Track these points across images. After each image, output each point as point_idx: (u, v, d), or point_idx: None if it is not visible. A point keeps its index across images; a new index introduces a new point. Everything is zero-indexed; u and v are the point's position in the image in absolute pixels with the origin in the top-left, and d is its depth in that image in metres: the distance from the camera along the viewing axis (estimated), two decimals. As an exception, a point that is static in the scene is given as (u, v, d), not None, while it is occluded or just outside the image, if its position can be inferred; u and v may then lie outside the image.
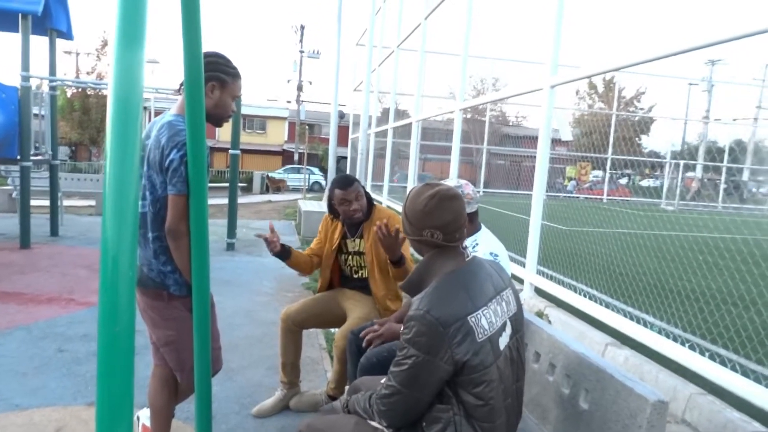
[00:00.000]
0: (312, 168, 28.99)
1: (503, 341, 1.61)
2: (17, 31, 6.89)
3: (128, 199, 1.01)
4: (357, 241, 3.07)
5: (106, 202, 1.00)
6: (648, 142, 30.37)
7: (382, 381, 1.62)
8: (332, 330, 4.64)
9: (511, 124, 30.82)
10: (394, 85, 14.68)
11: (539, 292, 5.34)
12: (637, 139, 28.06)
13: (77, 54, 31.27)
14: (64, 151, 30.12)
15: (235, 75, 2.23)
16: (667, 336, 3.53)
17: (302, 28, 34.07)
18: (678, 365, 3.07)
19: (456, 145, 8.41)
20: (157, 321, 2.20)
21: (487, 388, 1.52)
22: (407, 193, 1.70)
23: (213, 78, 2.16)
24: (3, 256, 6.74)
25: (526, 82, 6.03)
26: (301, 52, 34.36)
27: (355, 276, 3.14)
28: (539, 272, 5.52)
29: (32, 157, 7.31)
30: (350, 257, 3.14)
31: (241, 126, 8.05)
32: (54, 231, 8.25)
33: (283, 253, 2.92)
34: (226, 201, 8.38)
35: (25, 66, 6.94)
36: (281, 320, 3.07)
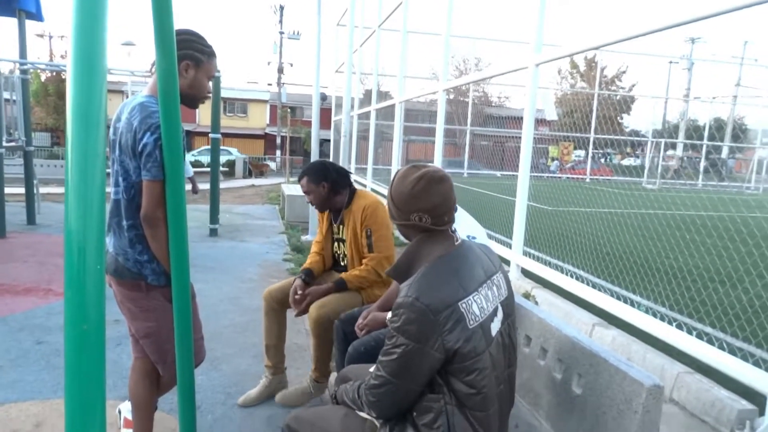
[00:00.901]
0: (229, 148, 27.88)
1: (495, 327, 1.56)
2: (14, 15, 6.62)
3: (93, 188, 0.93)
4: (339, 227, 3.04)
5: (69, 192, 0.92)
6: (629, 121, 30.56)
7: (371, 370, 1.56)
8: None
9: (493, 104, 30.77)
10: (376, 66, 14.51)
11: (526, 273, 5.33)
12: (618, 118, 28.20)
13: (50, 37, 30.46)
14: (44, 137, 29.45)
15: (210, 54, 2.12)
16: (654, 315, 3.54)
17: (281, 8, 33.46)
18: (665, 344, 3.07)
19: (440, 126, 8.33)
20: (135, 313, 2.12)
21: (480, 375, 1.47)
22: (392, 176, 1.63)
23: (187, 57, 2.05)
24: (-22, 246, 6.56)
25: (509, 61, 5.96)
26: (281, 33, 33.79)
27: (342, 264, 3.09)
28: (525, 253, 5.51)
29: (5, 144, 7.08)
30: (336, 244, 3.10)
31: (221, 109, 7.87)
32: (31, 219, 8.05)
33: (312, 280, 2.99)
34: (207, 186, 8.23)
35: (23, 53, 6.69)
36: (263, 299, 3.03)
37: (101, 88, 0.95)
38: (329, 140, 26.65)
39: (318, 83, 8.15)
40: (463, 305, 1.46)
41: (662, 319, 3.38)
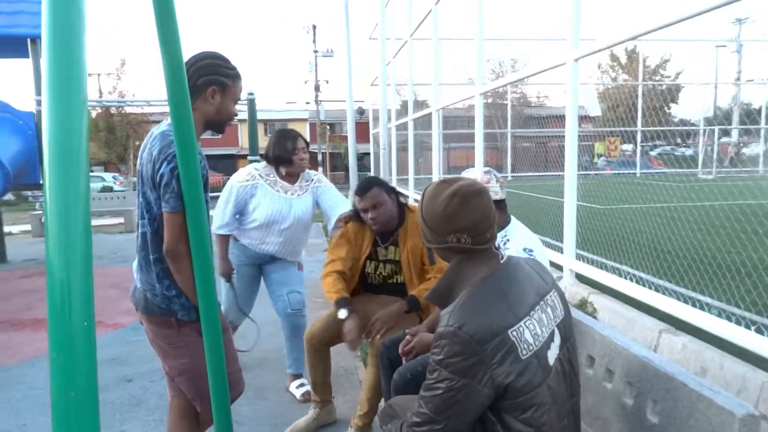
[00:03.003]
0: (102, 174, 26.38)
1: (552, 354, 1.37)
2: (28, 56, 6.88)
3: (75, 234, 0.82)
4: (391, 248, 2.75)
5: (49, 240, 0.81)
6: (678, 111, 29.35)
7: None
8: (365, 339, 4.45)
9: (533, 105, 30.18)
10: (410, 76, 14.41)
11: (580, 278, 5.05)
12: (666, 108, 27.12)
13: (99, 75, 31.82)
14: (97, 171, 30.79)
15: (235, 76, 2.03)
16: (729, 318, 3.23)
17: (314, 27, 33.95)
18: (743, 350, 2.78)
19: (479, 131, 8.12)
20: (167, 350, 2.03)
21: (538, 412, 1.29)
22: (422, 193, 1.47)
23: (213, 82, 1.96)
24: (34, 281, 6.74)
25: (546, 59, 5.73)
26: (315, 51, 34.23)
27: (390, 282, 2.81)
28: (578, 257, 5.23)
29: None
30: (381, 265, 2.81)
31: (257, 131, 7.91)
32: (83, 252, 8.26)
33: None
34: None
35: (38, 90, 6.93)
36: (306, 341, 2.84)
37: (81, 123, 0.84)
38: (369, 153, 26.67)
39: (351, 98, 8.10)
40: (514, 333, 1.28)
41: (738, 322, 3.07)
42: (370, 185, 2.62)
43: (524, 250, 2.07)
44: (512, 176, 22.21)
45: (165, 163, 1.77)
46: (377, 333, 2.52)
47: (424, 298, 1.52)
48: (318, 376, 2.87)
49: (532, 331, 1.32)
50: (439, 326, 1.32)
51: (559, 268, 5.45)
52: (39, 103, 7.01)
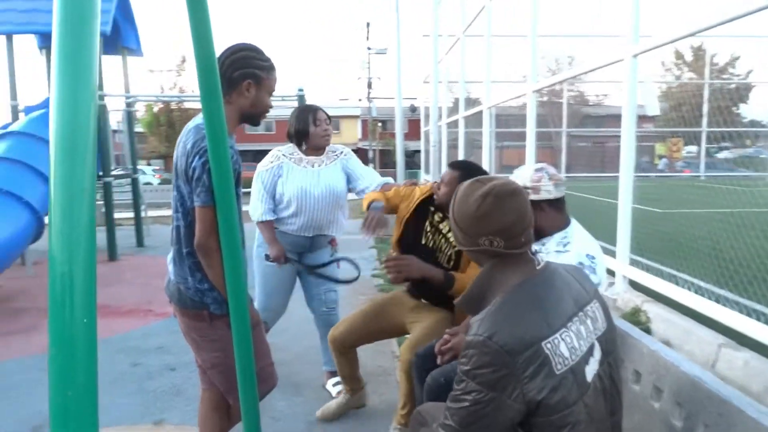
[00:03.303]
0: (143, 168, 26.53)
1: (591, 370, 1.27)
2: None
3: (79, 229, 0.79)
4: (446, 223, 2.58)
5: (52, 234, 0.79)
6: (747, 111, 27.74)
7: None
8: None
9: (590, 103, 29.24)
10: (462, 74, 14.21)
11: (634, 285, 4.83)
12: (734, 108, 25.69)
13: (161, 71, 33.01)
14: (158, 164, 32.05)
15: (270, 68, 2.01)
16: (797, 335, 2.98)
17: (368, 25, 34.10)
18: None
19: (531, 129, 7.91)
20: (200, 343, 2.03)
21: (573, 431, 1.19)
22: (454, 193, 1.39)
23: (248, 75, 1.94)
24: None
25: (603, 56, 5.49)
26: (369, 49, 34.35)
27: (436, 254, 2.59)
28: (633, 262, 5.00)
29: (113, 172, 7.58)
30: (433, 234, 2.63)
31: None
32: (140, 242, 8.57)
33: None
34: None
35: (100, 85, 7.20)
36: (330, 342, 2.82)
37: (88, 117, 0.81)
38: (419, 151, 26.51)
39: (400, 96, 8.04)
40: (548, 345, 1.19)
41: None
42: (455, 167, 2.54)
43: (587, 256, 1.91)
44: (567, 176, 21.61)
45: (197, 157, 1.76)
46: (393, 270, 2.43)
47: (455, 303, 1.44)
48: (345, 371, 2.91)
49: (569, 344, 1.23)
50: (468, 334, 1.24)
51: (611, 273, 5.22)
52: (101, 98, 7.28)
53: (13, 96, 7.18)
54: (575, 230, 2.03)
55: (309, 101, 9.43)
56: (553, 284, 1.30)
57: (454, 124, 15.74)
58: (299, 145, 3.07)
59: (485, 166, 11.61)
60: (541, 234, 1.97)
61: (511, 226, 1.28)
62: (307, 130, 3.01)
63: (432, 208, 2.63)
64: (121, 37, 7.77)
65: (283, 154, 3.05)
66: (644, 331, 4.16)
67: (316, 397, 3.23)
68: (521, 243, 1.31)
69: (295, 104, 7.74)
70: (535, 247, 1.93)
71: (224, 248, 1.70)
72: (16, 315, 5.00)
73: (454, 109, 16.07)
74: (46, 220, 5.45)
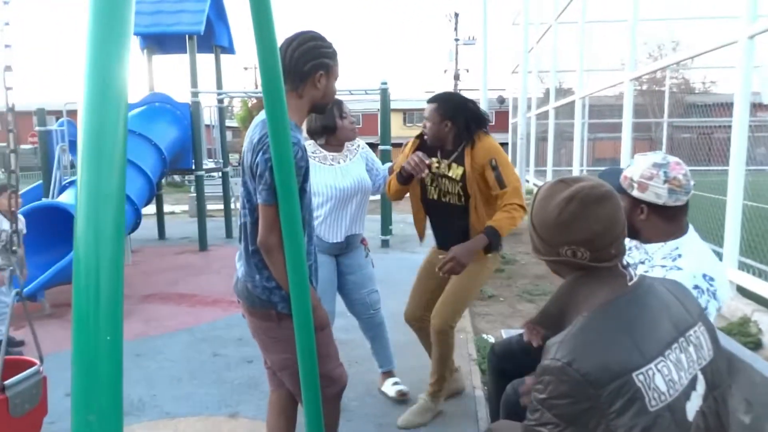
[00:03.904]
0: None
1: (692, 407, 1.08)
2: (186, 51, 7.50)
3: (105, 234, 0.73)
4: (453, 166, 2.67)
5: (78, 240, 0.74)
6: None
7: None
8: (484, 336, 4.22)
9: (697, 91, 27.09)
10: (554, 63, 13.60)
11: (743, 291, 4.36)
12: None
13: (255, 68, 34.36)
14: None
15: (335, 54, 1.94)
16: None
17: (456, 15, 33.54)
18: None
19: (627, 120, 7.40)
20: (268, 344, 2.00)
21: (669, 479, 1.01)
22: (534, 194, 1.24)
23: (320, 66, 1.87)
24: (184, 258, 7.40)
25: (713, 39, 4.98)
26: (456, 40, 33.85)
27: (443, 200, 2.74)
28: (742, 266, 4.52)
29: (204, 167, 7.92)
30: (436, 182, 2.74)
31: (390, 121, 7.91)
32: (229, 233, 8.92)
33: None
34: (378, 197, 8.33)
35: (194, 83, 7.53)
36: (408, 322, 3.03)
37: (117, 119, 0.75)
38: (507, 143, 25.75)
39: (485, 87, 7.78)
40: (641, 377, 1.02)
41: None
42: (432, 100, 2.68)
43: (704, 277, 1.56)
44: (667, 170, 20.15)
45: (261, 153, 1.71)
46: (448, 272, 2.54)
47: (531, 321, 1.29)
48: (431, 349, 2.92)
49: (666, 376, 1.04)
50: (545, 358, 1.09)
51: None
52: (195, 95, 7.62)
53: (117, 94, 7.67)
54: (691, 243, 1.66)
55: (393, 95, 9.37)
56: (648, 304, 1.12)
57: (543, 116, 15.14)
58: (323, 142, 2.90)
59: (576, 158, 11.05)
60: (635, 236, 1.69)
61: (598, 235, 1.11)
62: (335, 124, 2.84)
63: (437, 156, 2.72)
64: (214, 36, 8.08)
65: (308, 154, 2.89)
66: (755, 345, 3.73)
67: (387, 398, 3.14)
68: (610, 255, 1.13)
69: (378, 98, 7.70)
70: (638, 257, 1.68)
71: (287, 246, 1.65)
72: (115, 300, 5.33)
73: (544, 100, 15.46)
74: (144, 211, 5.71)
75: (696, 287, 1.51)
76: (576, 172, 11.24)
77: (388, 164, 3.20)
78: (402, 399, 3.07)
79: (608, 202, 1.12)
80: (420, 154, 2.58)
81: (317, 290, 2.03)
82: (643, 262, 1.67)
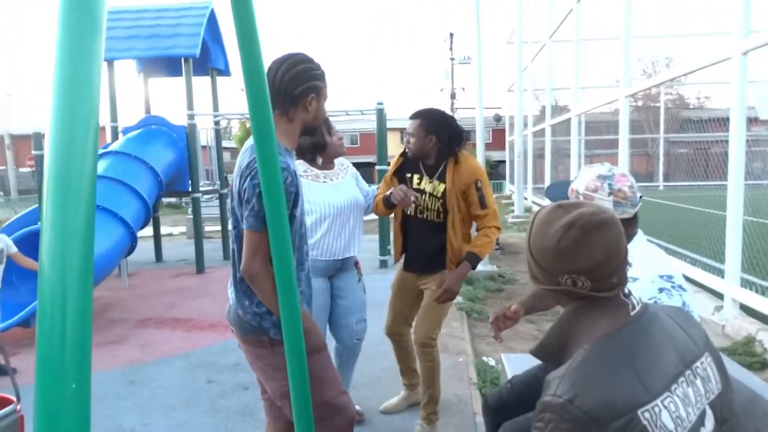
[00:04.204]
0: None
1: (702, 443, 1.02)
2: (182, 74, 7.52)
3: (71, 275, 0.68)
4: (435, 182, 2.77)
5: (42, 282, 0.69)
6: None
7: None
8: (485, 359, 4.15)
9: (691, 107, 27.25)
10: (549, 81, 13.68)
11: (746, 309, 4.30)
12: None
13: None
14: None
15: (324, 75, 1.92)
16: None
17: (451, 35, 33.89)
18: None
19: (623, 137, 7.41)
20: (267, 372, 1.93)
21: None
22: (531, 219, 1.19)
23: (311, 89, 1.85)
24: (181, 281, 7.32)
25: (706, 55, 4.99)
26: (452, 59, 34.14)
27: (420, 216, 2.83)
28: (745, 283, 4.46)
29: (201, 188, 7.88)
30: (419, 196, 2.78)
31: (386, 141, 7.90)
32: (226, 255, 8.84)
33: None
34: (375, 216, 8.28)
35: (190, 105, 7.53)
36: (388, 336, 3.18)
37: (86, 146, 0.71)
38: (504, 161, 25.83)
39: (481, 106, 7.78)
40: (647, 414, 0.96)
41: None
42: (416, 116, 2.77)
43: (660, 277, 1.53)
44: (664, 185, 20.22)
45: (249, 178, 1.68)
46: (444, 302, 2.75)
47: (530, 352, 1.23)
48: (404, 362, 3.20)
49: (674, 412, 0.99)
50: (545, 393, 1.03)
51: (719, 296, 4.70)
52: (191, 117, 7.61)
53: (114, 118, 7.67)
54: (635, 249, 1.55)
55: (390, 114, 9.38)
56: (651, 335, 1.07)
57: (540, 133, 15.19)
58: (313, 160, 2.86)
59: (573, 175, 11.03)
60: None
61: (599, 264, 1.06)
62: (324, 142, 2.81)
63: (408, 175, 2.84)
64: (210, 59, 8.12)
65: (300, 173, 2.83)
66: (761, 365, 3.66)
67: (385, 427, 3.07)
68: (612, 284, 1.08)
69: (368, 118, 7.70)
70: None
71: (277, 273, 1.60)
72: (109, 326, 5.25)
73: (540, 118, 15.51)
74: (139, 235, 5.63)
75: (661, 290, 1.49)
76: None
77: (375, 186, 3.22)
78: (360, 420, 3.12)
79: (609, 228, 1.08)
80: (403, 188, 2.64)
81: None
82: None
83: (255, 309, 1.82)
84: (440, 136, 2.71)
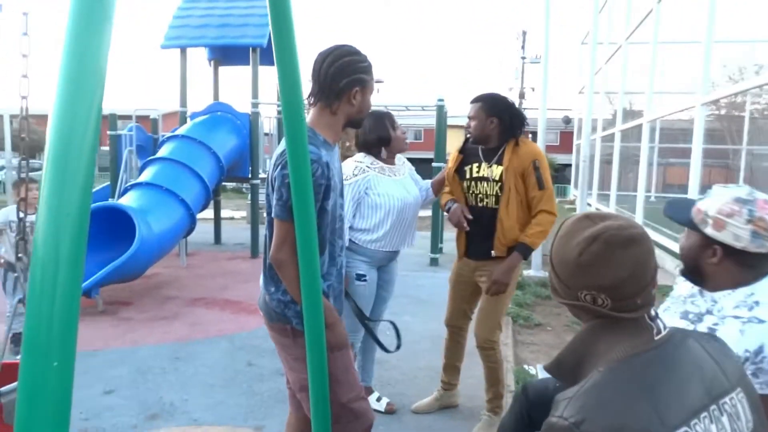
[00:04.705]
0: None
1: (724, 487, 0.94)
2: (248, 63, 7.71)
3: (63, 258, 0.70)
4: (494, 167, 2.74)
5: (35, 262, 0.70)
6: None
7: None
8: (526, 367, 4.03)
9: (781, 117, 25.40)
10: (623, 84, 13.12)
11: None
12: None
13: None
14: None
15: (371, 67, 1.91)
16: None
17: (524, 33, 33.09)
18: None
19: (697, 147, 7.02)
20: (288, 362, 1.95)
21: None
22: (557, 229, 1.13)
23: (356, 82, 1.84)
24: (236, 264, 7.55)
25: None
26: (523, 58, 33.36)
27: (480, 204, 2.80)
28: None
29: (261, 175, 8.07)
30: (474, 184, 2.81)
31: (446, 138, 7.81)
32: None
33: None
34: (429, 213, 8.25)
35: (255, 94, 7.72)
36: (446, 325, 3.12)
37: (87, 134, 0.72)
38: (570, 165, 25.04)
39: (544, 107, 7.56)
40: (659, 449, 0.89)
41: None
42: (477, 99, 2.76)
43: None
44: (743, 201, 18.98)
45: (279, 168, 1.69)
46: (495, 294, 2.73)
47: (544, 368, 1.17)
48: (451, 358, 3.13)
49: (691, 449, 0.91)
50: (552, 414, 0.98)
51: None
52: (255, 105, 7.80)
53: (183, 103, 7.97)
54: None
55: (455, 111, 9.28)
56: (676, 363, 0.99)
57: (609, 138, 14.61)
58: (378, 154, 2.88)
59: (641, 183, 10.56)
60: (701, 281, 1.44)
61: (622, 283, 0.99)
62: (389, 136, 2.85)
63: (466, 168, 2.81)
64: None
65: (367, 166, 2.82)
66: None
67: (415, 425, 3.04)
68: (636, 305, 1.01)
69: (434, 114, 7.63)
70: (703, 306, 1.44)
71: (301, 264, 1.60)
72: (164, 302, 5.48)
73: (612, 122, 14.92)
74: (198, 216, 5.83)
75: None
76: (641, 197, 10.73)
77: (428, 181, 3.21)
78: (391, 410, 3.15)
79: (637, 245, 1.00)
80: (459, 211, 2.75)
81: (342, 314, 1.97)
82: (710, 312, 1.41)
83: (280, 296, 1.84)
84: (502, 118, 2.70)
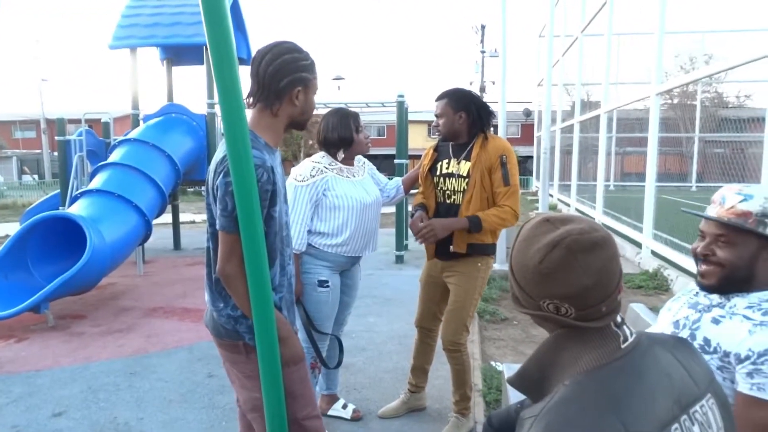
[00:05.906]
0: None
1: (698, 503, 0.88)
2: (203, 63, 7.48)
3: None
4: (462, 163, 2.71)
5: None
6: None
7: None
8: (492, 363, 4.00)
9: (731, 105, 26.31)
10: (579, 76, 13.32)
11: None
12: None
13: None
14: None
15: (313, 65, 1.79)
16: None
17: (482, 27, 33.34)
18: None
19: (653, 135, 7.14)
20: (240, 380, 1.84)
21: None
22: (517, 232, 1.05)
23: (298, 81, 1.72)
24: (196, 270, 7.31)
25: (749, 51, 4.72)
26: (482, 52, 33.61)
27: (448, 201, 2.76)
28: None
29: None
30: (442, 180, 2.77)
31: (407, 134, 7.75)
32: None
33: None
34: (393, 210, 8.18)
35: (210, 94, 7.49)
36: (416, 327, 3.04)
37: None
38: (532, 156, 25.41)
39: (504, 100, 7.56)
40: (629, 467, 0.82)
41: None
42: (442, 96, 2.73)
43: None
44: (697, 186, 19.61)
45: (222, 175, 1.57)
46: (422, 238, 2.62)
47: (508, 381, 1.10)
48: (420, 360, 3.05)
49: (662, 465, 0.84)
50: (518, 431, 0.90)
51: None
52: (211, 106, 7.58)
53: (135, 105, 7.68)
54: None
55: (418, 106, 9.22)
56: (642, 372, 0.92)
57: (569, 129, 14.82)
58: (336, 154, 2.76)
59: (600, 173, 10.72)
60: (747, 286, 1.36)
61: (586, 291, 0.92)
62: (352, 138, 2.74)
63: (437, 165, 2.78)
64: (232, 47, 8.06)
65: (325, 167, 2.71)
66: (665, 289, 3.35)
67: (383, 431, 2.96)
68: (601, 314, 0.94)
69: (395, 110, 7.56)
70: (716, 299, 1.40)
71: (250, 277, 1.50)
72: (119, 314, 5.25)
73: (571, 114, 15.14)
74: (156, 222, 5.60)
75: None
76: (600, 186, 10.91)
77: (399, 179, 3.13)
78: (357, 417, 3.07)
79: (601, 250, 0.93)
80: (417, 219, 2.68)
81: (294, 323, 1.87)
82: (721, 306, 1.37)
83: (230, 312, 1.73)
84: (469, 111, 2.68)
